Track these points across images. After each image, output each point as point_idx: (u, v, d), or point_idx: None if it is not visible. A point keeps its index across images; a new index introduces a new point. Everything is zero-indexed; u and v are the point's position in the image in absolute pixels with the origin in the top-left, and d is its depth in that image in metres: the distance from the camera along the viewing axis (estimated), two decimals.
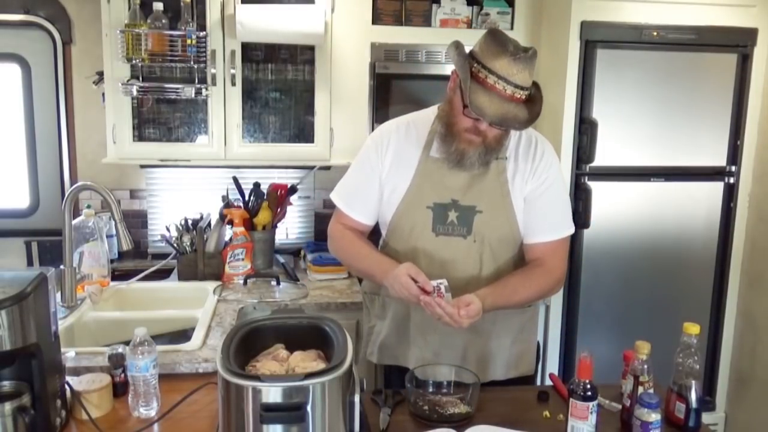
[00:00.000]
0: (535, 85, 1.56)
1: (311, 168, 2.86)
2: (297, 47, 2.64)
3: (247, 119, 2.61)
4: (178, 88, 2.46)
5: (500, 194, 1.65)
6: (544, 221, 1.67)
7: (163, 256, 2.67)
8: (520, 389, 1.71)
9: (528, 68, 1.49)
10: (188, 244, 2.49)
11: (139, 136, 2.57)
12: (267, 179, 2.77)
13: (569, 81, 2.44)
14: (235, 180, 2.69)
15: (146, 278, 2.40)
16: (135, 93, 2.46)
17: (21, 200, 2.85)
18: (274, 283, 2.49)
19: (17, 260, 2.82)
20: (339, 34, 2.53)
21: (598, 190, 2.49)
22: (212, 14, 2.43)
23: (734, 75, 2.51)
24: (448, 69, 2.54)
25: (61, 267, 1.97)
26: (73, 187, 2.00)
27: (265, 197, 2.67)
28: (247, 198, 2.68)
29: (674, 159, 2.53)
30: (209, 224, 2.61)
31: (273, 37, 2.45)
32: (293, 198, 2.78)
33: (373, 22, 2.58)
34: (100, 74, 2.55)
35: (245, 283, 2.45)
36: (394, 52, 2.58)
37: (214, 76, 2.46)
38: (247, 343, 1.29)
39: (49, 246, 2.80)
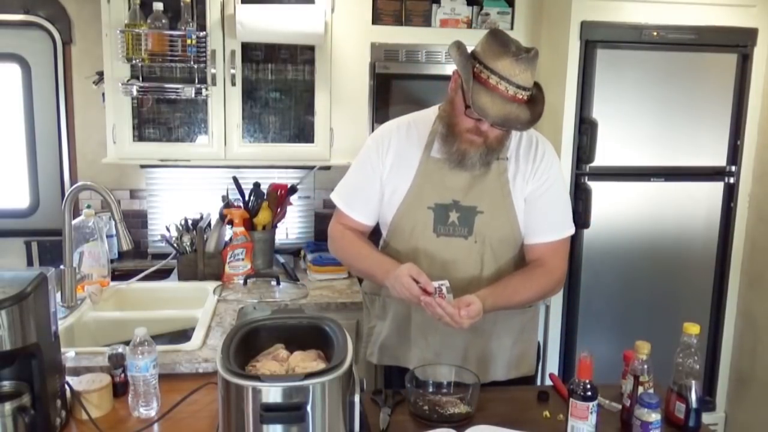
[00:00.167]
0: (537, 85, 1.56)
1: (311, 168, 2.86)
2: (297, 47, 2.64)
3: (247, 119, 2.61)
4: (178, 88, 2.46)
5: (501, 195, 1.65)
6: (545, 221, 1.67)
7: (163, 256, 2.67)
8: (520, 389, 1.71)
9: (530, 69, 1.49)
10: (188, 244, 2.49)
11: (139, 136, 2.57)
12: (267, 179, 2.77)
13: (569, 81, 2.44)
14: (235, 180, 2.69)
15: (146, 278, 2.40)
16: (135, 93, 2.46)
17: (21, 200, 2.85)
18: (274, 283, 2.49)
19: (17, 260, 2.82)
20: (339, 34, 2.53)
21: (598, 190, 2.49)
22: (212, 14, 2.43)
23: (734, 75, 2.51)
24: (448, 69, 2.54)
25: (61, 267, 1.97)
26: (73, 187, 2.00)
27: (265, 197, 2.67)
28: (247, 198, 2.68)
29: (674, 159, 2.53)
30: (209, 224, 2.61)
31: (273, 37, 2.45)
32: (293, 198, 2.78)
33: (373, 22, 2.58)
34: (100, 74, 2.55)
35: (245, 283, 2.45)
36: (394, 52, 2.58)
37: (214, 76, 2.46)
38: (247, 343, 1.29)
39: (49, 246, 2.80)
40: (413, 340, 1.72)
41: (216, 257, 2.51)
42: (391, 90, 2.60)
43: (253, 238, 2.59)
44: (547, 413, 1.52)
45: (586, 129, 2.46)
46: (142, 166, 2.80)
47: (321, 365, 1.24)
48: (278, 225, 2.75)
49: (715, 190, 2.60)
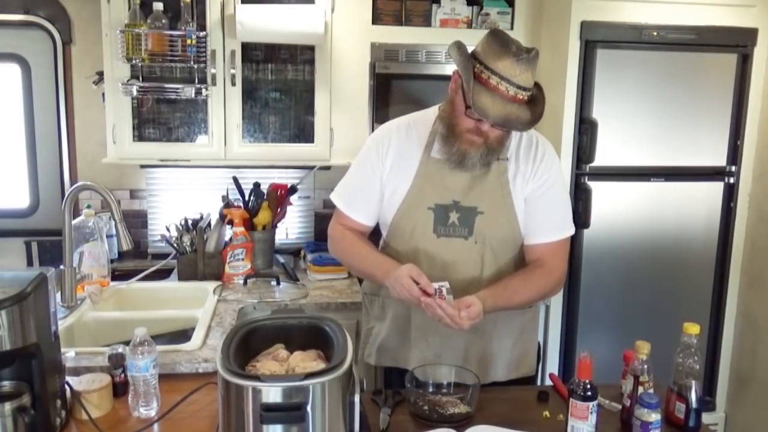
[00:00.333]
0: (537, 86, 1.56)
1: (311, 168, 2.86)
2: (297, 47, 2.64)
3: (247, 119, 2.61)
4: (178, 88, 2.46)
5: (501, 195, 1.65)
6: (545, 222, 1.67)
7: (163, 256, 2.67)
8: (520, 389, 1.71)
9: (531, 69, 1.48)
10: (188, 244, 2.49)
11: (139, 136, 2.57)
12: (267, 179, 2.77)
13: (569, 81, 2.44)
14: (235, 180, 2.69)
15: (146, 278, 2.40)
16: (135, 93, 2.46)
17: (21, 200, 2.85)
18: (274, 283, 2.49)
19: (17, 260, 2.82)
20: (339, 34, 2.53)
21: (598, 190, 2.49)
22: (212, 14, 2.43)
23: (734, 75, 2.51)
24: (448, 69, 2.54)
25: (61, 267, 1.97)
26: (73, 187, 2.00)
27: (265, 197, 2.67)
28: (247, 198, 2.68)
29: (674, 159, 2.53)
30: (209, 224, 2.61)
31: (273, 37, 2.45)
32: (293, 198, 2.78)
33: (373, 22, 2.58)
34: (100, 74, 2.55)
35: (245, 283, 2.45)
36: (394, 52, 2.58)
37: (214, 76, 2.46)
38: (247, 343, 1.29)
39: (49, 246, 2.80)
40: (413, 341, 1.72)
41: (216, 257, 2.51)
42: (391, 90, 2.60)
43: (253, 238, 2.59)
44: (547, 413, 1.52)
45: (586, 129, 2.46)
46: (142, 166, 2.80)
47: (321, 365, 1.24)
48: (278, 225, 2.75)
49: (715, 190, 2.60)
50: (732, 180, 2.60)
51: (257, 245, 2.62)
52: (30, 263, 2.82)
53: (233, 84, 2.49)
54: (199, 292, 2.31)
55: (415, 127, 1.71)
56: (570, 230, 1.72)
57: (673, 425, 1.45)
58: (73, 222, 2.08)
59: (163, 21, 2.39)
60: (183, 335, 1.95)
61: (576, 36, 2.41)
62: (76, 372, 1.54)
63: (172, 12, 2.42)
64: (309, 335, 1.34)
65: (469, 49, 1.55)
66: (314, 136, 2.60)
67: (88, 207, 2.29)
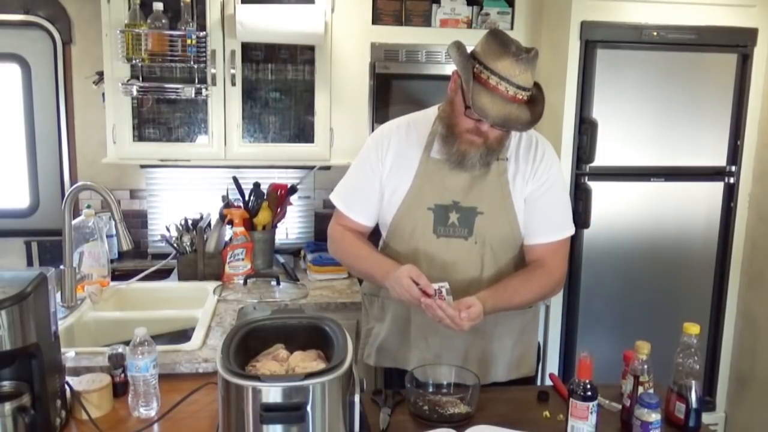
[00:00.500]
0: (537, 86, 1.56)
1: (311, 168, 2.86)
2: (297, 47, 2.64)
3: (247, 119, 2.61)
4: (178, 88, 2.46)
5: (501, 195, 1.65)
6: (545, 222, 1.67)
7: (163, 256, 2.67)
8: (520, 389, 1.71)
9: (530, 69, 1.48)
10: (188, 244, 2.49)
11: (139, 136, 2.57)
12: (267, 179, 2.77)
13: (569, 81, 2.44)
14: (235, 180, 2.69)
15: (146, 278, 2.40)
16: (135, 93, 2.46)
17: (21, 200, 2.85)
18: (274, 283, 2.49)
19: (17, 260, 2.82)
20: (339, 34, 2.53)
21: (598, 190, 2.49)
22: (212, 14, 2.43)
23: (734, 75, 2.51)
24: (448, 69, 2.54)
25: (61, 267, 1.97)
26: (73, 187, 2.00)
27: (265, 197, 2.67)
28: (247, 198, 2.68)
29: (674, 159, 2.53)
30: (209, 224, 2.61)
31: (273, 37, 2.45)
32: (293, 198, 2.78)
33: (373, 22, 2.58)
34: (100, 74, 2.55)
35: (245, 283, 2.45)
36: (394, 52, 2.58)
37: (214, 76, 2.46)
38: (247, 343, 1.29)
39: (49, 246, 2.80)
40: (413, 342, 1.72)
41: (216, 257, 2.51)
42: (391, 90, 2.60)
43: (253, 238, 2.59)
44: (547, 413, 1.52)
45: (586, 129, 2.46)
46: (142, 166, 2.80)
47: (321, 365, 1.24)
48: (278, 225, 2.75)
49: (715, 190, 2.60)
50: (732, 180, 2.60)
51: (257, 245, 2.62)
52: (30, 263, 2.82)
53: (233, 84, 2.49)
54: (199, 292, 2.31)
55: (415, 127, 1.71)
56: (570, 230, 1.72)
57: (673, 425, 1.45)
58: (73, 222, 2.08)
59: (163, 21, 2.39)
60: (183, 335, 1.95)
61: (576, 36, 2.41)
62: (76, 372, 1.54)
63: (172, 12, 2.42)
64: (309, 335, 1.34)
65: (469, 49, 1.55)
66: (314, 136, 2.60)
67: (88, 207, 2.29)
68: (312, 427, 1.14)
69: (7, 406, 1.24)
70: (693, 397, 1.43)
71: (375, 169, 1.69)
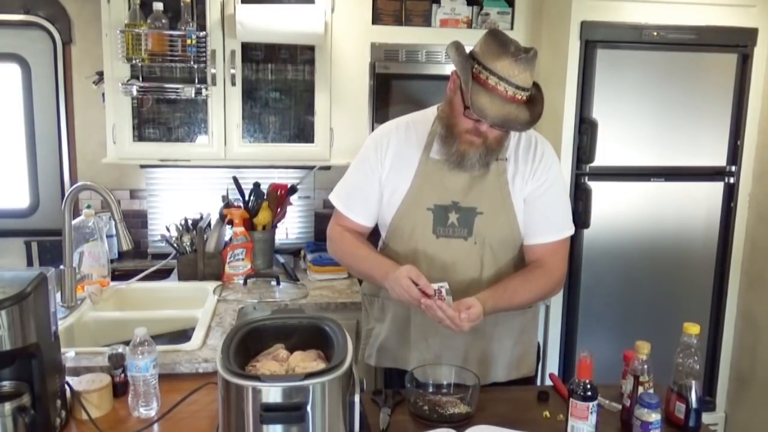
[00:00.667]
0: (536, 85, 1.56)
1: (311, 168, 2.86)
2: (297, 47, 2.64)
3: (247, 119, 2.61)
4: (178, 88, 2.46)
5: (501, 195, 1.65)
6: (545, 222, 1.67)
7: (163, 256, 2.67)
8: (520, 389, 1.71)
9: (529, 69, 1.48)
10: (188, 244, 2.49)
11: (139, 136, 2.57)
12: (267, 179, 2.77)
13: (569, 81, 2.44)
14: (235, 180, 2.69)
15: (146, 278, 2.40)
16: (135, 93, 2.46)
17: (21, 200, 2.85)
18: (274, 283, 2.49)
19: (17, 260, 2.82)
20: (339, 34, 2.53)
21: (598, 190, 2.49)
22: (212, 14, 2.43)
23: (734, 75, 2.51)
24: (448, 69, 2.54)
25: (61, 267, 1.97)
26: (73, 187, 2.00)
27: (265, 197, 2.67)
28: (247, 198, 2.68)
29: (674, 159, 2.53)
30: (209, 224, 2.61)
31: (273, 37, 2.45)
32: (293, 198, 2.78)
33: (373, 22, 2.58)
34: (100, 74, 2.55)
35: (245, 283, 2.45)
36: (394, 52, 2.58)
37: (214, 76, 2.46)
38: (247, 343, 1.29)
39: (49, 246, 2.80)
40: (413, 342, 1.72)
41: (216, 257, 2.51)
42: (391, 90, 2.60)
43: (253, 238, 2.59)
44: (547, 413, 1.52)
45: (586, 129, 2.46)
46: (142, 166, 2.80)
47: (321, 365, 1.24)
48: (278, 225, 2.75)
49: (715, 190, 2.60)
50: (732, 180, 2.60)
51: (257, 245, 2.62)
52: (30, 263, 2.82)
53: (233, 84, 2.49)
54: (199, 292, 2.31)
55: (414, 127, 1.71)
56: (570, 230, 1.72)
57: (673, 425, 1.45)
58: (73, 222, 2.08)
59: (163, 21, 2.39)
60: (183, 335, 1.96)
61: (576, 36, 2.41)
62: (76, 372, 1.55)
63: (172, 12, 2.42)
64: (309, 335, 1.34)
65: (468, 50, 1.55)
66: (314, 136, 2.60)
67: (88, 207, 2.29)
68: (312, 427, 1.14)
69: (7, 406, 1.24)
70: (693, 397, 1.43)
71: (374, 169, 1.69)
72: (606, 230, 2.53)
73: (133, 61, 2.41)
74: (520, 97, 1.49)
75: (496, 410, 1.52)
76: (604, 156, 2.47)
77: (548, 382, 1.78)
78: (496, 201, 1.64)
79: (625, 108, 2.46)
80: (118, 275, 2.42)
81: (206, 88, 2.46)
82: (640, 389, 1.42)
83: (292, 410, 1.12)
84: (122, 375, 1.51)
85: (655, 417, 1.33)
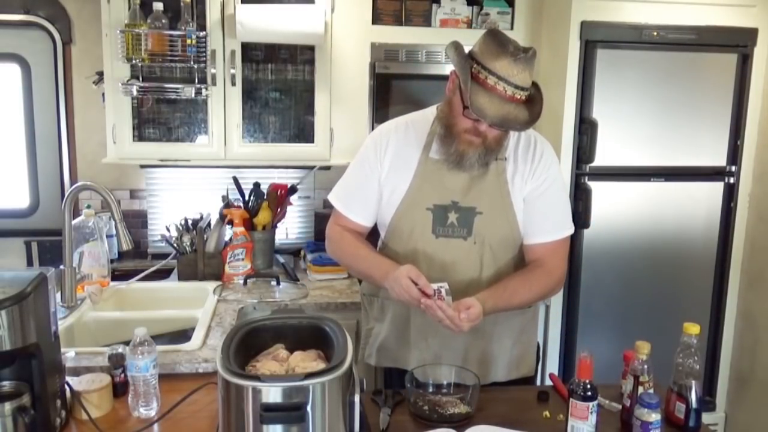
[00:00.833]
0: (535, 85, 1.56)
1: (311, 168, 2.86)
2: (297, 47, 2.64)
3: (247, 119, 2.61)
4: (178, 88, 2.46)
5: (500, 195, 1.65)
6: (544, 222, 1.67)
7: (163, 256, 2.67)
8: (520, 389, 1.71)
9: (528, 69, 1.48)
10: (188, 244, 2.49)
11: (139, 136, 2.57)
12: (267, 179, 2.77)
13: (569, 81, 2.44)
14: (235, 180, 2.69)
15: (146, 278, 2.40)
16: (135, 93, 2.46)
17: (21, 200, 2.85)
18: (274, 283, 2.49)
19: (17, 260, 2.82)
20: (339, 34, 2.53)
21: (598, 190, 2.49)
22: (212, 14, 2.43)
23: (734, 75, 2.51)
24: (448, 69, 2.52)
25: (61, 267, 1.97)
26: (73, 187, 2.00)
27: (265, 197, 2.67)
28: (247, 198, 2.68)
29: (674, 159, 2.53)
30: (209, 224, 2.61)
31: (273, 37, 2.45)
32: (293, 198, 2.78)
33: (373, 22, 2.58)
34: (100, 74, 2.55)
35: (245, 283, 2.45)
36: (394, 52, 2.58)
37: (214, 76, 2.46)
38: (247, 343, 1.29)
39: (49, 246, 2.80)
40: (413, 342, 1.72)
41: (216, 257, 2.51)
42: (391, 90, 2.60)
43: (253, 238, 2.59)
44: (547, 413, 1.52)
45: (586, 129, 2.46)
46: (142, 166, 2.80)
47: (321, 365, 1.24)
48: (278, 225, 2.75)
49: (715, 190, 2.60)
50: (732, 180, 2.60)
51: (257, 245, 2.62)
52: (30, 263, 2.82)
53: (233, 84, 2.49)
54: (199, 292, 2.31)
55: (414, 127, 1.71)
56: (569, 230, 1.72)
57: (673, 425, 1.45)
58: (73, 222, 2.08)
59: (163, 21, 2.39)
60: (183, 335, 1.96)
61: (576, 36, 2.41)
62: (76, 372, 1.55)
63: (172, 12, 2.42)
64: (309, 335, 1.34)
65: (467, 49, 1.55)
66: (314, 136, 2.60)
67: (88, 207, 2.29)
68: (312, 427, 1.14)
69: (7, 406, 1.24)
70: (693, 397, 1.44)
71: (374, 169, 1.69)
72: (606, 230, 2.53)
73: (133, 61, 2.41)
74: (519, 97, 1.49)
75: (496, 410, 1.52)
76: (604, 156, 2.47)
77: (548, 382, 1.78)
78: (495, 201, 1.64)
79: (625, 108, 2.46)
80: (118, 275, 2.42)
81: (206, 88, 2.46)
82: (640, 389, 1.42)
83: (292, 410, 1.12)
84: (122, 375, 1.51)
85: (655, 417, 1.33)
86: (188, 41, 2.38)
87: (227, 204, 2.63)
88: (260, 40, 2.52)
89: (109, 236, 2.51)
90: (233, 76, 2.48)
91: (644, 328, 2.53)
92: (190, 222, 2.56)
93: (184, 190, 2.89)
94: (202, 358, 1.70)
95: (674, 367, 1.45)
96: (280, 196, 2.70)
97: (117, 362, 1.52)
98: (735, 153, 2.58)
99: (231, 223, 2.54)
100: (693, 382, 1.43)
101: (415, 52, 2.59)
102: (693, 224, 2.59)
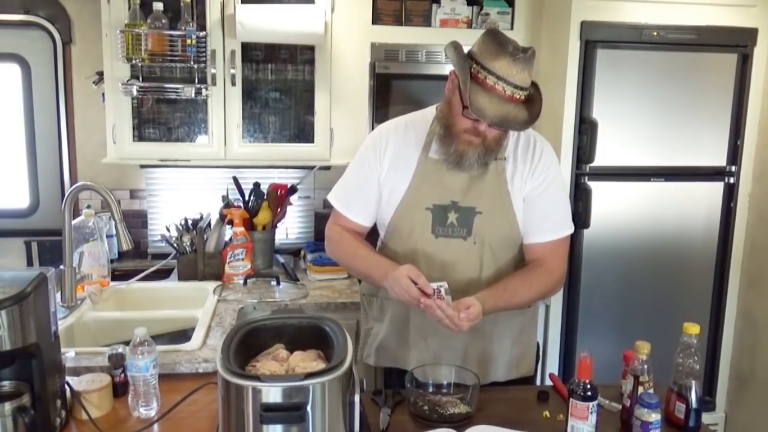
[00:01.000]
0: (534, 85, 1.55)
1: (311, 168, 2.86)
2: (297, 47, 2.64)
3: (247, 119, 2.61)
4: (178, 88, 2.46)
5: (500, 195, 1.65)
6: (544, 221, 1.67)
7: (163, 256, 2.67)
8: (520, 389, 1.71)
9: (527, 68, 1.48)
10: (188, 244, 2.49)
11: (139, 136, 2.57)
12: (267, 179, 2.77)
13: (569, 81, 2.44)
14: (235, 180, 2.69)
15: (146, 278, 2.40)
16: (135, 93, 2.46)
17: (21, 200, 2.85)
18: (274, 283, 2.49)
19: (17, 260, 2.82)
20: (339, 34, 2.53)
21: (598, 190, 2.49)
22: (212, 14, 2.43)
23: (734, 75, 2.51)
24: (448, 69, 2.50)
25: (61, 267, 1.97)
26: (73, 187, 2.00)
27: (265, 197, 2.67)
28: (247, 198, 2.68)
29: (674, 159, 2.53)
30: (209, 224, 2.61)
31: (273, 37, 2.45)
32: (293, 198, 2.78)
33: (373, 22, 2.58)
34: (100, 74, 2.55)
35: (245, 283, 2.45)
36: (394, 52, 2.58)
37: (214, 76, 2.46)
38: (247, 343, 1.29)
39: (49, 246, 2.80)
40: (412, 342, 1.72)
41: (216, 257, 2.51)
42: (391, 90, 2.60)
43: (253, 238, 2.59)
44: (547, 413, 1.52)
45: (586, 129, 2.46)
46: (142, 166, 2.80)
47: (321, 365, 1.24)
48: (278, 225, 2.75)
49: (715, 190, 2.60)
50: (732, 180, 2.60)
51: (257, 245, 2.62)
52: (30, 263, 2.82)
53: (233, 84, 2.49)
54: (199, 292, 2.31)
55: (413, 127, 1.71)
56: (569, 229, 1.71)
57: (673, 425, 1.45)
58: (73, 222, 2.08)
59: (163, 21, 2.39)
60: (183, 335, 1.96)
61: (576, 36, 2.41)
62: (76, 372, 1.55)
63: (172, 12, 2.42)
64: (309, 335, 1.34)
65: (466, 49, 1.55)
66: (314, 136, 2.60)
67: (88, 207, 2.29)
68: (312, 427, 1.14)
69: (7, 406, 1.24)
70: (693, 397, 1.44)
71: (373, 169, 1.69)
72: (606, 230, 2.53)
73: (133, 61, 2.41)
74: (518, 97, 1.49)
75: (496, 410, 1.52)
76: (604, 156, 2.47)
77: (548, 382, 1.78)
78: (495, 200, 1.64)
79: (625, 108, 2.46)
80: (118, 275, 2.42)
81: (206, 88, 2.46)
82: (640, 389, 1.42)
83: (292, 410, 1.12)
84: (122, 375, 1.51)
85: (655, 417, 1.33)
86: (188, 41, 2.38)
87: (227, 204, 2.63)
88: (260, 40, 2.52)
89: (109, 236, 2.51)
90: (233, 76, 2.48)
91: (644, 328, 2.54)
92: (190, 222, 2.56)
93: (184, 190, 2.88)
94: (202, 358, 1.71)
95: (674, 367, 1.45)
96: (280, 196, 2.70)
97: (117, 362, 1.52)
98: (735, 153, 2.58)
99: (231, 223, 2.54)
100: (693, 382, 1.43)
101: (415, 52, 2.59)
102: (693, 224, 2.59)
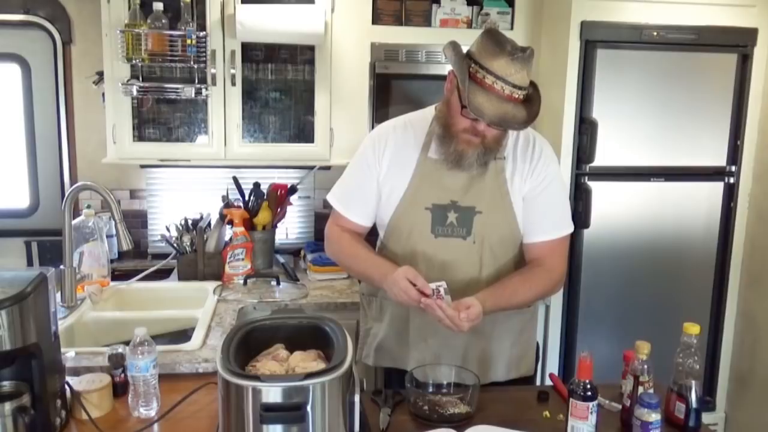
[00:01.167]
0: (533, 84, 1.55)
1: (311, 168, 2.86)
2: (297, 47, 2.64)
3: (247, 119, 2.61)
4: (178, 88, 2.46)
5: (499, 194, 1.65)
6: (543, 220, 1.67)
7: (163, 256, 2.68)
8: (519, 389, 1.71)
9: (526, 68, 1.48)
10: (188, 244, 2.49)
11: (139, 136, 2.57)
12: (267, 179, 2.77)
13: (569, 81, 2.44)
14: (235, 180, 2.69)
15: (146, 278, 2.40)
16: (135, 93, 2.46)
17: (21, 200, 2.85)
18: (274, 283, 2.49)
19: (17, 260, 2.82)
20: (339, 34, 2.53)
21: (598, 190, 2.49)
22: (212, 14, 2.43)
23: (734, 75, 2.51)
24: (447, 69, 2.48)
25: (61, 267, 1.97)
26: (73, 187, 2.01)
27: (265, 197, 2.67)
28: (247, 198, 2.68)
29: (674, 159, 2.53)
30: (209, 224, 2.61)
31: (273, 37, 2.45)
32: (293, 198, 2.78)
33: (373, 22, 2.58)
34: (100, 74, 2.55)
35: (245, 283, 2.45)
36: (394, 52, 2.58)
37: (214, 76, 2.46)
38: (247, 343, 1.29)
39: (49, 246, 2.80)
40: (412, 343, 1.72)
41: (216, 257, 2.51)
42: (391, 90, 2.60)
43: (253, 238, 2.59)
44: (547, 413, 1.52)
45: (586, 129, 2.46)
46: (142, 166, 2.80)
47: (321, 365, 1.24)
48: (278, 225, 2.75)
49: (715, 190, 2.60)
50: (732, 180, 2.60)
51: (257, 245, 2.62)
52: (30, 263, 2.82)
53: (233, 84, 2.49)
54: (199, 292, 2.31)
55: (412, 127, 1.71)
56: (569, 228, 1.71)
57: (673, 425, 1.45)
58: (73, 222, 2.08)
59: (163, 21, 2.39)
60: (183, 335, 1.96)
61: (576, 36, 2.41)
62: (76, 372, 1.55)
63: (172, 12, 2.42)
64: (309, 335, 1.34)
65: (465, 49, 1.55)
66: (314, 136, 2.60)
67: (88, 207, 2.30)
68: (312, 427, 1.14)
69: (7, 406, 1.24)
70: (693, 397, 1.43)
71: (372, 169, 1.69)
72: (606, 230, 2.53)
73: (133, 61, 2.41)
74: (517, 96, 1.49)
75: (496, 410, 1.52)
76: (604, 156, 2.47)
77: (548, 382, 1.78)
78: (494, 200, 1.64)
79: (625, 108, 2.46)
80: (118, 275, 2.42)
81: (206, 88, 2.46)
82: (640, 389, 1.42)
83: (292, 410, 1.12)
84: (122, 375, 1.51)
85: (655, 417, 1.33)
86: (188, 41, 2.38)
87: (227, 204, 2.63)
88: (260, 40, 2.52)
89: (109, 236, 2.51)
90: (233, 76, 2.48)
91: (644, 328, 2.53)
92: (190, 222, 2.56)
93: (184, 190, 2.88)
94: (202, 358, 1.71)
95: (674, 367, 1.45)
96: (280, 196, 2.70)
97: (117, 362, 1.52)
98: (735, 153, 2.58)
99: (231, 223, 2.54)
100: (693, 382, 1.43)
101: (415, 52, 2.59)
102: (693, 224, 2.59)
